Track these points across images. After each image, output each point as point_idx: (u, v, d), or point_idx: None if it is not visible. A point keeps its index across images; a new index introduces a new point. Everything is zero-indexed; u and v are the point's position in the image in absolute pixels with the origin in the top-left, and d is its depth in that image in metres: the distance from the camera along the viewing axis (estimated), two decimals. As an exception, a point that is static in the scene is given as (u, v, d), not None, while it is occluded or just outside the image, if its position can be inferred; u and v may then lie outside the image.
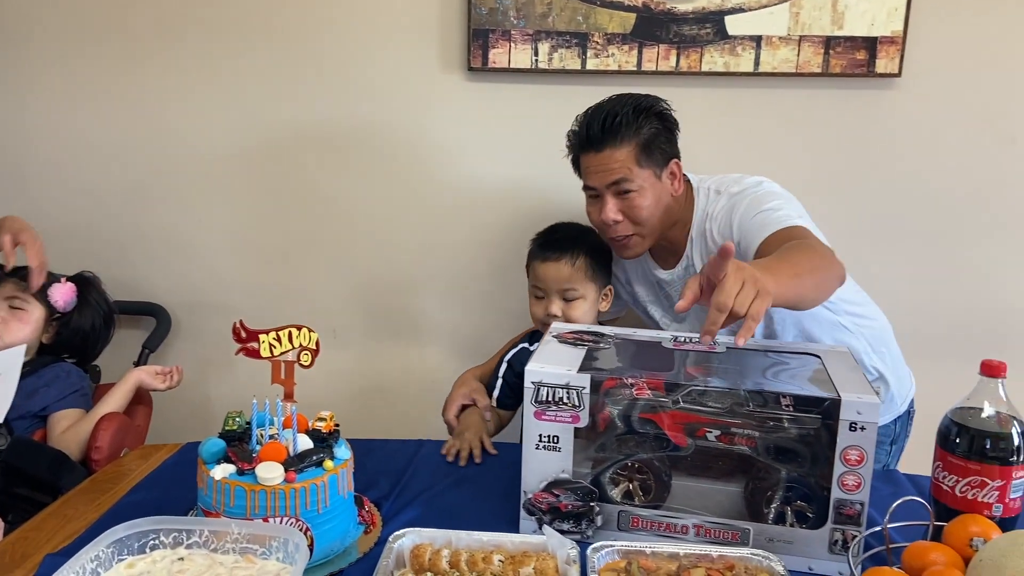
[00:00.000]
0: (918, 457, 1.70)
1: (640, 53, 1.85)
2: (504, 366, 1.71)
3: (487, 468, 1.50)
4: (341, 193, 2.03)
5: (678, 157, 1.58)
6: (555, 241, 1.67)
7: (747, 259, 1.44)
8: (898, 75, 1.80)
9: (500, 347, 1.81)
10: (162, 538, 1.07)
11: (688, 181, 1.63)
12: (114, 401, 1.71)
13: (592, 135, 1.54)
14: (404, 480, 1.44)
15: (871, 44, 1.79)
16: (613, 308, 1.78)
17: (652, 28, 1.83)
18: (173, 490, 1.35)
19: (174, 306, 2.10)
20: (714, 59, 1.84)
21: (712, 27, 1.83)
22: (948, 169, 1.84)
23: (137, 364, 1.97)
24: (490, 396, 1.68)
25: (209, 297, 2.10)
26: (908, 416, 1.72)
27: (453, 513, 1.34)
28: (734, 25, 1.82)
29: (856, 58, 1.80)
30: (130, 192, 2.08)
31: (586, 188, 1.60)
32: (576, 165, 1.62)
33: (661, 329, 1.73)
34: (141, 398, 1.81)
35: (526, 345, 1.73)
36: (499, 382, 1.69)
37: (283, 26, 1.94)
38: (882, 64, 1.79)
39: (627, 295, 1.80)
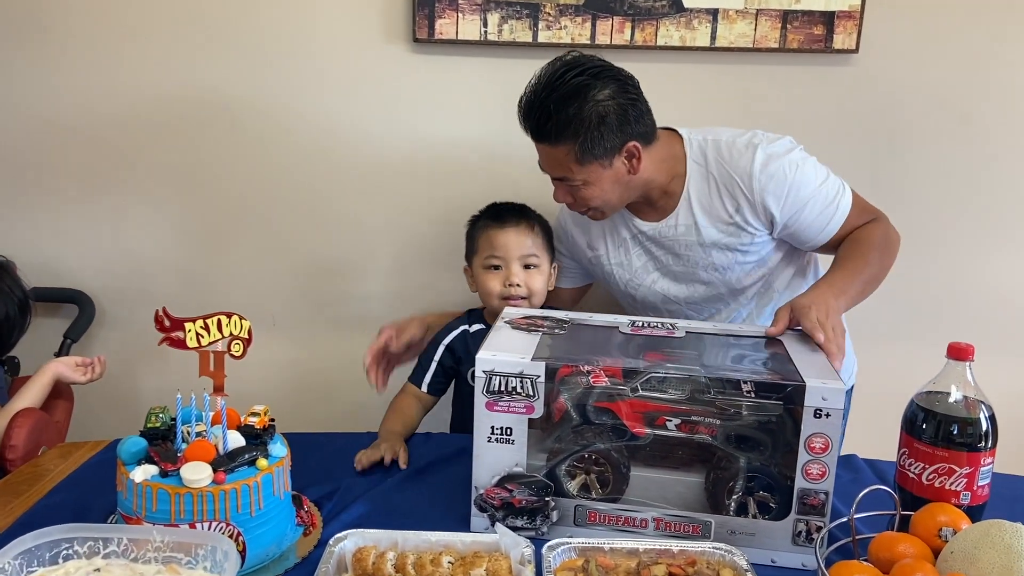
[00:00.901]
0: (878, 442, 1.69)
1: (594, 25, 1.78)
2: (442, 349, 1.62)
3: (437, 461, 1.42)
4: (278, 171, 1.92)
5: (638, 138, 1.42)
6: (508, 209, 1.60)
7: (804, 233, 1.48)
8: (855, 51, 1.77)
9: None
10: (76, 547, 0.97)
11: (675, 132, 1.52)
12: (30, 396, 1.59)
13: (530, 126, 1.42)
14: (348, 477, 1.36)
15: (829, 19, 1.75)
16: (566, 282, 1.71)
17: (606, 0, 1.76)
18: (94, 493, 1.25)
19: (98, 293, 1.97)
20: (670, 32, 1.77)
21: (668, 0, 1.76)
22: (905, 147, 1.82)
23: (58, 355, 1.84)
24: (420, 378, 1.60)
25: (136, 283, 1.97)
26: (850, 393, 1.70)
27: (400, 511, 1.26)
28: (690, -3, 1.76)
29: (814, 33, 1.76)
30: (47, 169, 1.93)
31: None
32: None
33: (623, 296, 1.66)
34: (61, 392, 1.69)
35: (466, 327, 1.64)
36: (434, 366, 1.61)
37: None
38: (839, 39, 1.75)
39: (582, 261, 1.68)
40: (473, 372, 1.16)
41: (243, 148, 1.91)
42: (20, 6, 1.84)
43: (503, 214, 1.60)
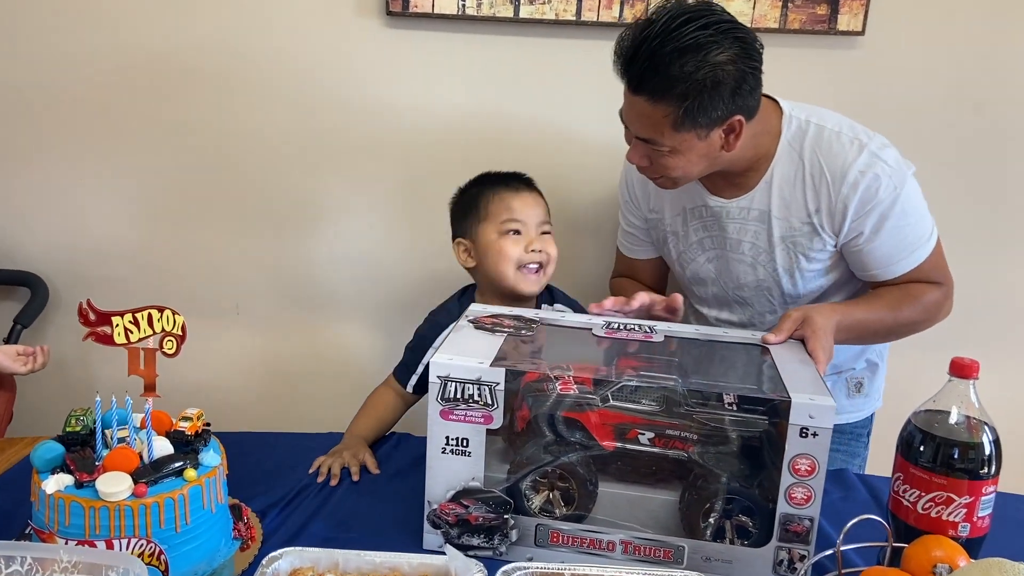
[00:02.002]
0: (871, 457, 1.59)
1: (580, 1, 1.65)
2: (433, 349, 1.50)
3: (394, 468, 1.33)
4: (244, 150, 1.81)
5: (745, 112, 1.23)
6: (514, 177, 1.50)
7: (865, 260, 1.35)
8: (861, 33, 1.64)
9: (417, 317, 1.59)
10: (-25, 565, 0.88)
11: (774, 102, 1.35)
12: (-35, 387, 1.49)
13: (631, 70, 1.21)
14: (299, 483, 1.27)
15: (833, -2, 1.63)
16: (641, 252, 1.58)
17: (595, -27, 1.64)
18: (21, 498, 1.15)
19: (52, 276, 1.86)
20: (662, 10, 1.65)
21: (661, -26, 1.64)
22: (913, 137, 1.69)
23: (7, 340, 1.74)
24: (406, 377, 1.48)
25: (93, 265, 1.86)
26: (871, 417, 1.58)
27: (348, 524, 1.17)
28: (685, -28, 1.64)
29: (817, 13, 1.64)
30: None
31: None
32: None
33: (674, 265, 1.52)
34: (2, 382, 1.59)
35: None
36: (421, 367, 1.46)
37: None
38: (844, 21, 1.63)
39: (644, 223, 1.53)
40: None
41: (207, 125, 1.80)
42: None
43: (512, 180, 1.49)
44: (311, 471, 1.30)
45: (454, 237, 1.52)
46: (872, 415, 1.56)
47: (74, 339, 1.82)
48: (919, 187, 1.35)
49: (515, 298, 1.45)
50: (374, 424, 1.44)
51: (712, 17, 1.19)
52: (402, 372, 1.49)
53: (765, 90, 1.28)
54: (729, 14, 1.22)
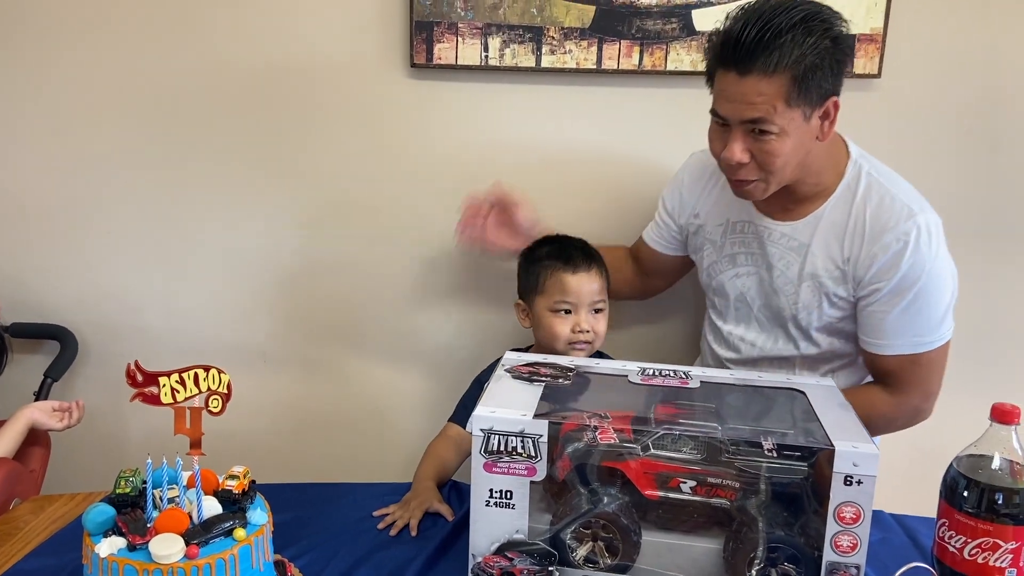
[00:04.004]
0: (901, 494, 1.58)
1: (600, 50, 1.69)
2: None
3: (444, 520, 1.33)
4: (269, 202, 1.83)
5: (838, 94, 1.28)
6: (576, 251, 1.53)
7: (864, 323, 1.36)
8: (878, 76, 1.67)
9: (453, 362, 1.61)
10: (33, 630, 0.89)
11: (844, 141, 1.40)
12: (2, 445, 1.49)
13: (742, 49, 1.22)
14: (343, 535, 1.27)
15: (849, 42, 1.66)
16: (662, 246, 1.63)
17: (613, 22, 1.68)
18: (70, 558, 1.17)
19: (81, 328, 1.87)
20: (680, 57, 1.69)
21: (678, 22, 1.68)
22: (928, 176, 1.71)
23: (38, 395, 1.75)
24: (464, 418, 1.49)
25: (121, 317, 1.87)
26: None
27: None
28: (702, 20, 1.67)
29: (832, 57, 1.67)
30: (23, 196, 1.85)
31: (713, 112, 1.32)
32: (709, 78, 1.33)
33: (703, 275, 1.56)
34: (37, 438, 1.59)
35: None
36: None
37: (199, 8, 1.74)
38: (860, 64, 1.66)
39: (683, 223, 1.57)
40: None
41: (231, 179, 1.83)
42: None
43: (572, 257, 1.51)
44: (376, 514, 1.32)
45: (519, 295, 1.59)
46: None
47: (103, 391, 1.86)
48: (956, 287, 1.36)
49: None
50: (436, 470, 1.44)
51: (819, 8, 1.25)
52: (459, 413, 1.53)
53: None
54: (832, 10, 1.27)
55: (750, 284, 1.47)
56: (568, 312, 1.50)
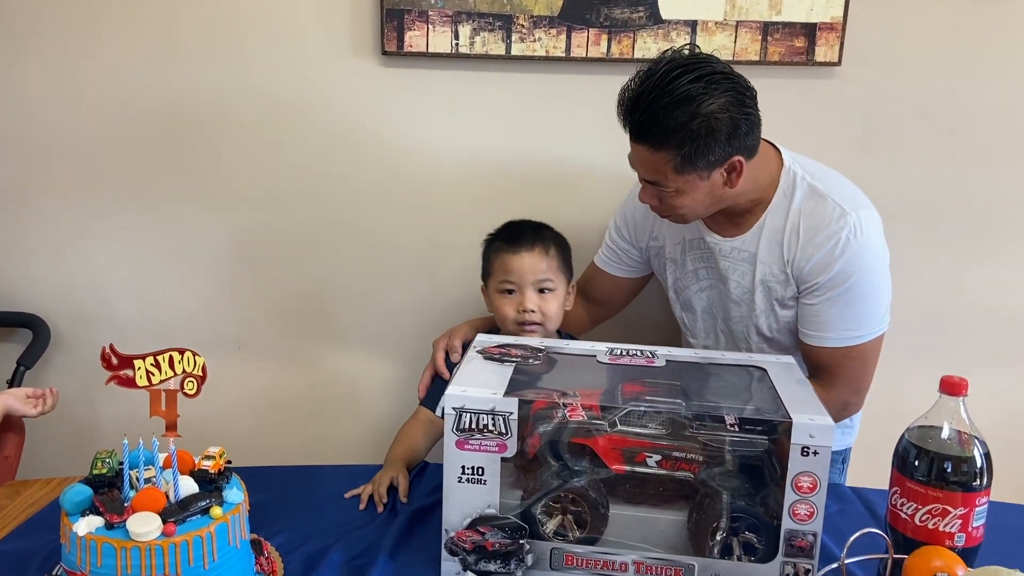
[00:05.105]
0: (861, 468, 1.64)
1: (569, 38, 1.72)
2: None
3: (414, 496, 1.36)
4: (242, 189, 1.84)
5: (744, 152, 1.31)
6: (523, 232, 1.55)
7: (802, 317, 1.41)
8: (838, 64, 1.72)
9: (424, 347, 1.63)
10: (11, 608, 0.90)
11: (777, 150, 1.43)
12: (-24, 431, 1.50)
13: (632, 122, 1.30)
14: (318, 515, 1.30)
15: (810, 31, 1.70)
16: (622, 271, 1.65)
17: (581, 10, 1.70)
18: (47, 540, 1.17)
19: (53, 316, 1.87)
20: (647, 45, 1.72)
21: (645, 10, 1.71)
22: (890, 162, 1.77)
23: (11, 383, 1.74)
24: (435, 403, 1.51)
25: (94, 305, 1.88)
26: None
27: (368, 552, 1.20)
28: (668, 8, 1.70)
29: (795, 45, 1.71)
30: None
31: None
32: None
33: (670, 291, 1.60)
34: (11, 425, 1.59)
35: None
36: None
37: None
38: (821, 52, 1.71)
39: (643, 247, 1.60)
40: None
41: (205, 166, 1.83)
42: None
43: (517, 237, 1.54)
44: (348, 496, 1.35)
45: (481, 279, 1.61)
46: (849, 448, 1.62)
47: (76, 378, 1.86)
48: (888, 280, 1.41)
49: None
50: (406, 451, 1.48)
51: (705, 69, 1.26)
52: (431, 397, 1.55)
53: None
54: (723, 63, 1.29)
55: (714, 296, 1.52)
56: (511, 292, 1.52)
